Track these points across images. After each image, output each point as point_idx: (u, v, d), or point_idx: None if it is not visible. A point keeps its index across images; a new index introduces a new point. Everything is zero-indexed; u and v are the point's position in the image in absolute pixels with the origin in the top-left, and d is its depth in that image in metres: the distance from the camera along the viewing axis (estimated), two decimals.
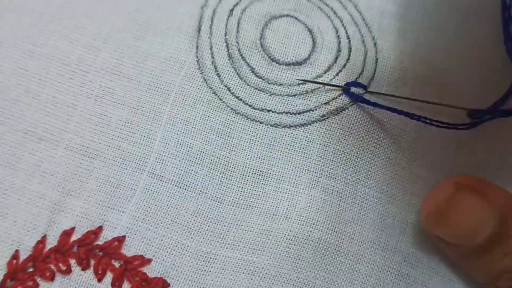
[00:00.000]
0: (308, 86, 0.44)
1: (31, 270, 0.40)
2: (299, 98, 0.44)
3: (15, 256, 0.40)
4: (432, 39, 0.47)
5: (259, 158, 0.43)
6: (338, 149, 0.43)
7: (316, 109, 0.43)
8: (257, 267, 0.40)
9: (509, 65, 0.46)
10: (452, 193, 0.40)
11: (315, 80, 0.44)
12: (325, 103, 0.43)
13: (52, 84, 0.44)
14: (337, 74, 0.44)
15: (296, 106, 0.44)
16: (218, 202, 0.42)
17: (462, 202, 0.39)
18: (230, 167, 0.43)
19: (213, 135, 0.43)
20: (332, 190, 0.42)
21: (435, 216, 0.40)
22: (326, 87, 0.44)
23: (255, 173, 0.43)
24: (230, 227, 0.42)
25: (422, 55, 0.46)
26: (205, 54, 0.45)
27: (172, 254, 0.41)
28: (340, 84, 0.44)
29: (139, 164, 0.42)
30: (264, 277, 0.40)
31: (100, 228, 0.41)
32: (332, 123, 0.43)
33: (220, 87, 0.44)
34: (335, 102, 0.44)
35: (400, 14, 0.47)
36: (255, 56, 0.45)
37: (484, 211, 0.39)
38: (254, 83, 0.44)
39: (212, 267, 0.41)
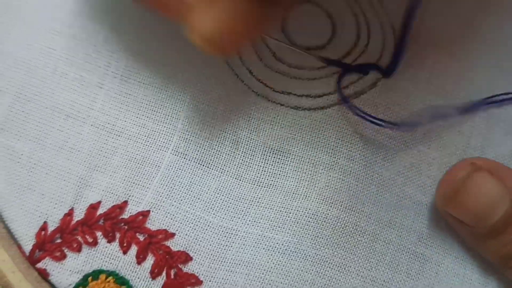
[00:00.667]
0: (327, 71, 0.45)
1: (58, 241, 0.41)
2: (319, 82, 0.45)
3: (43, 227, 0.42)
4: (453, 27, 0.48)
5: (280, 139, 0.44)
6: (356, 132, 0.44)
7: (334, 93, 0.44)
8: (276, 243, 0.42)
9: None
10: (468, 173, 0.41)
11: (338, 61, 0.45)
12: (344, 87, 0.45)
13: (79, 64, 0.45)
14: (355, 59, 0.45)
15: (316, 89, 0.45)
16: (240, 180, 0.43)
17: (478, 182, 0.40)
18: (251, 146, 0.44)
19: (235, 115, 0.44)
20: (350, 171, 0.43)
21: (450, 195, 0.41)
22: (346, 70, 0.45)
23: (275, 153, 0.44)
24: (251, 204, 0.43)
25: (441, 42, 0.47)
26: None
27: (195, 229, 0.42)
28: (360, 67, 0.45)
29: (164, 142, 0.44)
30: (284, 253, 0.41)
31: (125, 203, 0.42)
32: (351, 106, 0.44)
33: (242, 70, 0.45)
34: (354, 86, 0.45)
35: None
36: (276, 40, 0.46)
37: (499, 192, 0.40)
38: (275, 66, 0.45)
39: (233, 242, 0.42)
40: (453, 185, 0.41)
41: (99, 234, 0.41)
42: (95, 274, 0.41)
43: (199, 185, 0.43)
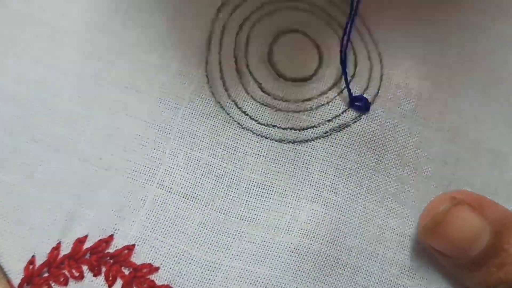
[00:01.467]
0: (312, 103, 0.45)
1: (46, 275, 0.42)
2: (304, 115, 0.45)
3: (32, 261, 0.42)
4: (438, 55, 0.47)
5: (264, 172, 0.44)
6: (340, 165, 0.44)
7: (319, 126, 0.44)
8: (258, 277, 0.42)
9: None
10: (449, 207, 0.41)
11: (320, 96, 0.45)
12: (328, 120, 0.45)
13: (68, 96, 0.46)
14: (341, 91, 0.45)
15: (300, 122, 0.45)
16: (224, 214, 0.43)
17: (458, 216, 0.40)
18: (235, 180, 0.44)
19: (220, 149, 0.44)
20: (333, 204, 0.43)
21: (432, 229, 0.41)
22: (330, 104, 0.45)
23: (259, 187, 0.44)
24: (234, 238, 0.43)
25: (427, 72, 0.46)
26: (214, 68, 0.46)
27: (179, 262, 0.42)
28: (345, 100, 0.45)
29: (149, 176, 0.44)
30: (265, 287, 0.42)
31: (111, 237, 0.43)
32: (335, 139, 0.44)
33: (227, 102, 0.45)
34: (338, 119, 0.45)
35: (407, 29, 0.48)
36: (262, 71, 0.46)
37: (479, 225, 0.40)
38: (260, 98, 0.45)
39: (216, 276, 0.42)
40: (434, 218, 0.41)
41: (85, 268, 0.42)
42: None
43: (183, 219, 0.43)
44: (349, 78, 0.46)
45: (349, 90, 0.45)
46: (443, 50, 0.47)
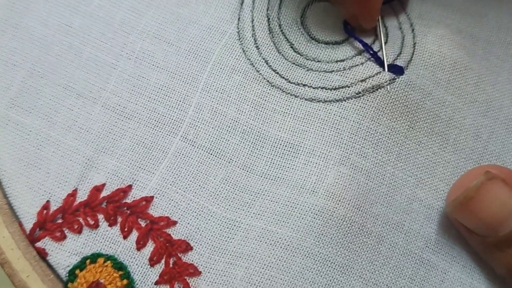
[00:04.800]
0: (345, 63, 0.42)
1: (60, 221, 0.39)
2: (336, 75, 0.42)
3: (46, 206, 0.39)
4: (474, 27, 0.44)
5: (292, 131, 0.41)
6: (371, 128, 0.41)
7: (352, 86, 0.41)
8: (280, 238, 0.39)
9: None
10: (482, 182, 0.37)
11: (354, 57, 0.42)
12: (362, 80, 0.41)
13: (95, 43, 0.43)
14: (375, 54, 0.42)
15: (332, 82, 0.42)
16: (247, 171, 0.40)
17: (491, 191, 0.37)
18: (261, 137, 0.41)
19: (248, 105, 0.41)
20: (362, 168, 0.40)
21: (462, 203, 0.38)
22: (364, 65, 0.42)
23: (286, 146, 0.41)
24: (256, 196, 0.40)
25: (462, 42, 0.44)
26: (246, 26, 0.43)
27: (198, 218, 0.39)
28: (377, 65, 0.42)
29: (173, 128, 0.41)
30: (286, 249, 0.39)
31: (129, 187, 0.40)
32: (367, 100, 0.41)
33: (258, 59, 0.42)
34: (372, 80, 0.41)
35: (443, 1, 0.45)
36: (295, 33, 0.43)
37: None
38: (292, 58, 0.42)
39: (235, 234, 0.39)
40: (465, 192, 0.38)
41: (101, 217, 0.39)
42: (94, 257, 0.38)
43: (205, 174, 0.40)
44: (381, 45, 0.43)
45: (374, 57, 0.42)
46: (480, 23, 0.45)
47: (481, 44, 0.44)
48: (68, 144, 0.41)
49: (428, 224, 0.41)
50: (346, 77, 0.42)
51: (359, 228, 0.39)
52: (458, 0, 0.45)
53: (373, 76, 0.42)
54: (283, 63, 0.42)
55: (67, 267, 0.39)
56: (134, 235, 0.39)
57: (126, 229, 0.39)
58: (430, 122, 0.42)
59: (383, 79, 0.42)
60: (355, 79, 0.42)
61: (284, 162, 0.41)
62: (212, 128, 0.41)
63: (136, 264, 0.39)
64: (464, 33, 0.44)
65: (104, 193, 0.40)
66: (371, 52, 0.42)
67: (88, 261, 0.38)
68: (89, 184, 0.40)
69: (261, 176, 0.40)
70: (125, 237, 0.39)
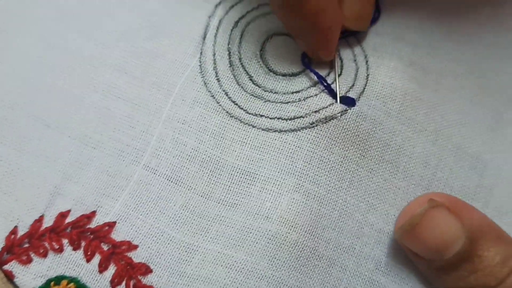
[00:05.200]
0: (301, 95, 0.44)
1: (26, 245, 0.41)
2: (292, 105, 0.44)
3: (14, 231, 0.41)
4: (425, 59, 0.46)
5: (248, 159, 0.43)
6: (324, 156, 0.43)
7: (306, 116, 0.43)
8: (235, 261, 0.41)
9: None
10: (426, 209, 0.39)
11: (309, 88, 0.44)
12: (315, 111, 0.44)
13: (66, 76, 0.45)
14: (329, 86, 0.45)
15: (288, 112, 0.44)
16: (205, 198, 0.42)
17: (435, 218, 0.39)
18: (220, 166, 0.43)
19: (207, 135, 0.43)
20: (315, 195, 0.42)
21: (408, 229, 0.39)
22: (318, 96, 0.44)
23: (242, 174, 0.43)
24: (213, 222, 0.42)
25: (413, 74, 0.46)
26: (208, 59, 0.45)
27: (158, 242, 0.41)
28: (330, 96, 0.44)
29: (136, 157, 0.43)
30: (241, 272, 0.40)
31: (93, 213, 0.42)
32: (321, 130, 0.43)
33: (218, 91, 0.44)
34: (325, 111, 0.43)
35: (396, 34, 0.47)
36: (254, 65, 0.45)
37: (455, 228, 0.39)
38: (250, 89, 0.45)
39: (193, 257, 0.41)
40: (410, 220, 0.39)
41: (65, 241, 0.41)
42: (58, 280, 0.40)
43: (166, 200, 0.42)
44: (335, 77, 0.45)
45: (328, 89, 0.44)
46: (431, 55, 0.47)
47: (432, 76, 0.46)
48: (37, 172, 0.43)
49: (378, 247, 0.42)
50: (301, 108, 0.44)
51: (311, 252, 0.41)
52: (411, 33, 0.47)
53: (326, 107, 0.44)
54: (242, 94, 0.44)
55: None
56: (97, 258, 0.41)
57: (89, 253, 0.41)
58: (381, 151, 0.44)
59: (335, 110, 0.44)
60: (310, 110, 0.44)
61: (241, 189, 0.43)
62: (173, 157, 0.43)
63: (98, 286, 0.40)
64: (415, 65, 0.46)
65: (69, 219, 0.42)
66: (325, 84, 0.44)
67: (52, 283, 0.40)
68: (55, 211, 0.42)
69: (218, 203, 0.42)
70: (88, 261, 0.41)
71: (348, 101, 0.44)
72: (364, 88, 0.45)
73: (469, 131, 0.45)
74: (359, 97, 0.44)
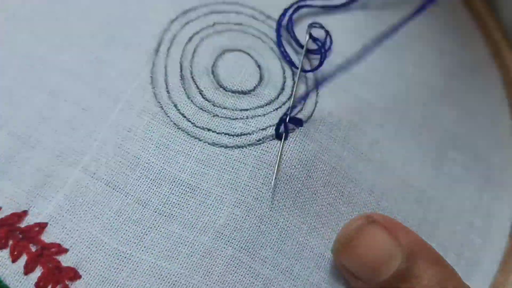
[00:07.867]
0: (249, 113, 0.44)
1: None
2: (239, 122, 0.43)
3: None
4: (372, 96, 0.47)
5: (191, 172, 0.42)
6: (269, 173, 0.42)
7: (253, 133, 0.43)
8: (168, 273, 0.39)
9: None
10: (363, 224, 0.38)
11: (257, 108, 0.44)
12: (262, 129, 0.43)
13: (13, 75, 0.44)
14: (276, 109, 0.44)
15: (235, 129, 0.43)
16: (142, 206, 0.41)
17: (371, 234, 0.38)
18: (161, 176, 0.41)
19: (152, 144, 0.42)
20: (256, 211, 0.41)
21: (343, 243, 0.39)
22: (266, 116, 0.43)
23: (183, 186, 0.41)
24: (148, 230, 0.40)
25: (358, 108, 0.46)
26: (159, 71, 0.45)
27: (89, 247, 0.39)
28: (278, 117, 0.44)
29: (75, 159, 0.42)
30: (174, 284, 0.39)
31: (25, 212, 0.40)
32: (267, 147, 0.42)
33: (167, 103, 0.43)
34: (272, 129, 0.43)
35: (346, 68, 0.47)
36: (205, 80, 0.45)
37: (391, 247, 0.38)
38: (200, 103, 0.44)
39: (125, 266, 0.39)
40: (347, 232, 0.39)
41: None
42: None
43: (101, 205, 0.40)
44: (284, 100, 0.45)
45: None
46: (378, 92, 0.47)
47: (378, 112, 0.46)
48: None
49: (317, 272, 0.41)
50: (248, 125, 0.43)
51: (246, 269, 0.40)
52: (357, 68, 0.47)
53: (274, 125, 0.43)
54: (191, 108, 0.44)
55: None
56: (23, 259, 0.39)
57: (15, 253, 0.39)
58: (328, 174, 0.43)
59: (283, 128, 0.43)
60: (257, 127, 0.43)
61: (180, 201, 0.41)
62: (114, 162, 0.42)
63: None
64: (362, 101, 0.46)
65: None
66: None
67: None
68: None
69: (155, 212, 0.41)
70: (13, 261, 0.39)
71: (296, 122, 0.43)
72: (312, 113, 0.44)
73: (413, 168, 0.45)
74: (307, 120, 0.44)
